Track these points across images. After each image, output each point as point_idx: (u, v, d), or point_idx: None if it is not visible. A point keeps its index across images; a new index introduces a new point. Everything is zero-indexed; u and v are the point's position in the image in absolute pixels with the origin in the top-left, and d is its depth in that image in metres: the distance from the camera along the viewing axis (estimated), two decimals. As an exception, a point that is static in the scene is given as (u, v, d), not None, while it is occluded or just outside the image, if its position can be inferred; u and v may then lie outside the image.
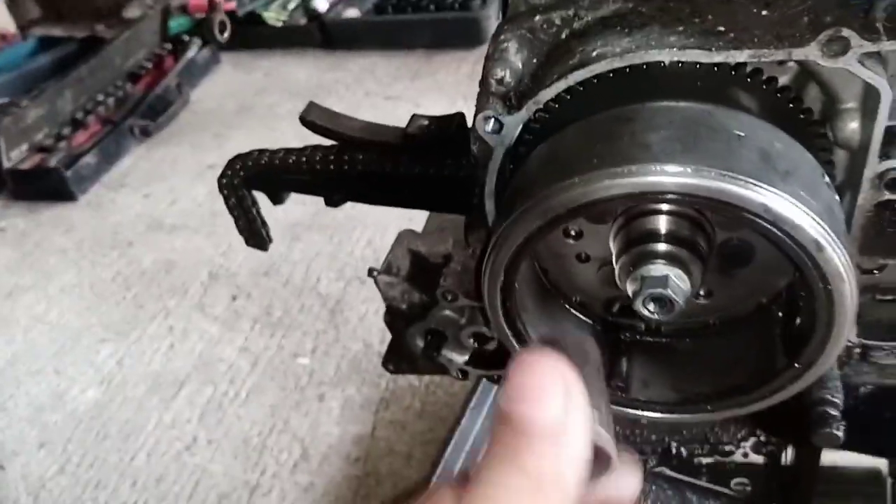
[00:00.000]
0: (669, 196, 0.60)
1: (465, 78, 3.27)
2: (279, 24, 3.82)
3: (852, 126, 0.72)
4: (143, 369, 2.04)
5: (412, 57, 3.50)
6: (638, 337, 0.91)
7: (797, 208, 0.57)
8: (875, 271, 0.83)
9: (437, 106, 3.09)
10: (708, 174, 0.58)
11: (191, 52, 3.57)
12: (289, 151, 0.98)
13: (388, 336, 2.17)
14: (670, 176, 0.59)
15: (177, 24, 3.89)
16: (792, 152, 0.64)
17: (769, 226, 0.58)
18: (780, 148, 0.63)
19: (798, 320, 0.74)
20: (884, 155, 0.70)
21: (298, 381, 1.91)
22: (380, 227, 2.32)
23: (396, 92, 3.27)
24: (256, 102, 3.36)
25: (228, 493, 1.69)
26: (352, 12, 3.83)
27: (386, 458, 1.69)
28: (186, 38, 3.68)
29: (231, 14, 3.83)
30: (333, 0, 3.83)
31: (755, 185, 0.58)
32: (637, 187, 0.60)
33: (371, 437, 1.73)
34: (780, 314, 0.79)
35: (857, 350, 0.88)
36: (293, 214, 2.37)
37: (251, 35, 3.79)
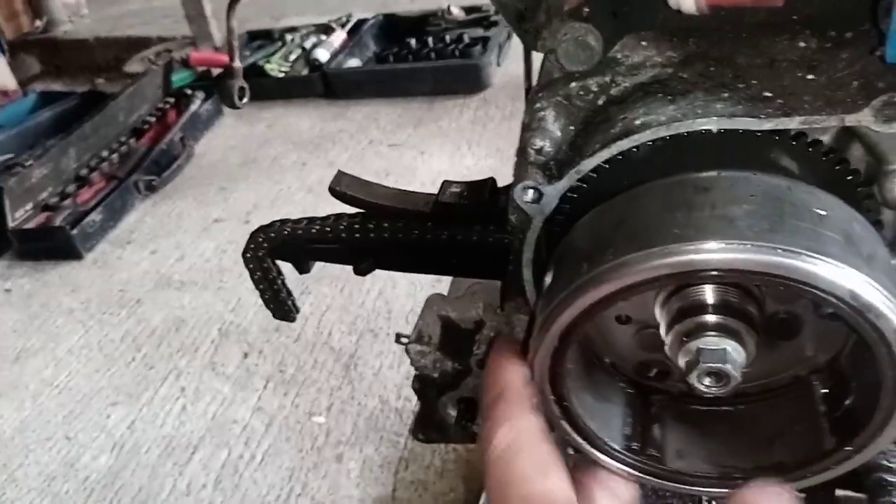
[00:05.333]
0: (756, 273, 0.57)
1: (468, 124, 3.29)
2: (281, 76, 3.85)
3: (902, 186, 0.70)
4: (156, 433, 2.00)
5: (414, 104, 3.52)
6: (671, 403, 0.87)
7: (882, 296, 0.55)
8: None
9: (441, 152, 3.10)
10: (797, 256, 0.56)
11: (194, 106, 3.60)
12: (311, 221, 0.95)
13: (405, 391, 2.14)
14: (757, 253, 0.56)
15: (179, 77, 3.92)
16: (869, 233, 0.62)
17: (853, 312, 0.56)
18: (859, 229, 0.61)
19: (848, 401, 0.71)
20: (937, 217, 0.68)
21: (315, 441, 1.86)
22: (390, 279, 2.30)
23: (400, 139, 3.28)
24: (260, 154, 3.37)
25: (247, 562, 1.64)
26: (353, 62, 3.86)
27: (408, 520, 1.64)
28: (189, 91, 3.70)
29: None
30: (335, 50, 3.87)
31: (844, 269, 0.56)
32: (726, 263, 0.57)
33: (392, 499, 1.69)
34: (824, 391, 0.76)
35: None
36: (302, 267, 2.34)
37: (254, 87, 3.78)
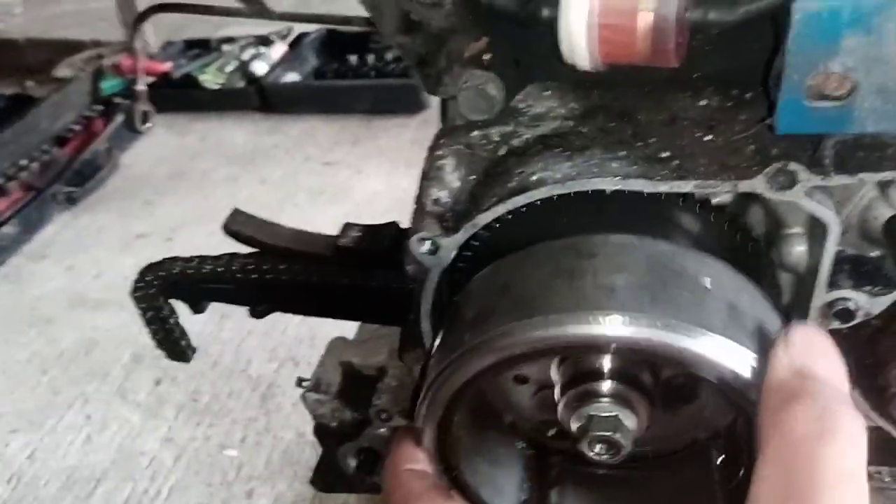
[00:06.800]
0: (634, 349, 0.55)
1: (407, 144, 3.24)
2: (217, 87, 3.75)
3: (799, 250, 0.70)
4: (57, 464, 1.89)
5: (353, 122, 3.46)
6: (571, 466, 0.84)
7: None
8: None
9: (378, 172, 3.05)
10: (674, 329, 0.53)
11: (122, 115, 3.46)
12: (204, 260, 0.91)
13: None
14: (621, 327, 0.54)
15: (109, 85, 3.77)
16: (758, 304, 0.60)
17: (732, 389, 0.54)
18: (747, 300, 0.59)
19: (742, 472, 0.70)
20: (832, 284, 0.68)
21: (225, 475, 1.79)
22: (317, 303, 2.23)
23: (337, 157, 3.22)
24: (190, 167, 3.26)
25: None
26: (291, 76, 3.79)
27: (319, 561, 1.58)
28: (119, 100, 3.57)
29: (166, 76, 3.75)
30: (273, 63, 3.79)
31: (723, 343, 0.54)
32: (584, 339, 0.55)
33: (304, 537, 1.63)
34: (721, 459, 0.75)
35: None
36: (226, 289, 2.26)
37: (187, 98, 3.70)
